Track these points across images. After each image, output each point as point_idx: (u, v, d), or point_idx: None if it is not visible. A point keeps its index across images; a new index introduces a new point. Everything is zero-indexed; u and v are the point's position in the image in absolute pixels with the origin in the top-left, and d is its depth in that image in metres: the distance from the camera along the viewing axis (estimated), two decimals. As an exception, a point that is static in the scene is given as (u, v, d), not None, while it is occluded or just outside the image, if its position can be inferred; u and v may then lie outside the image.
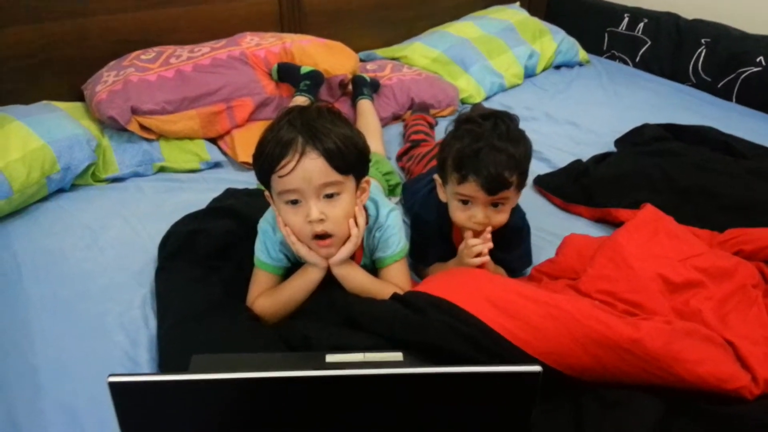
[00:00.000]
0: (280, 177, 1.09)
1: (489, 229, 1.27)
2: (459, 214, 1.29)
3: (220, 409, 0.75)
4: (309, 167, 1.07)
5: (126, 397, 0.68)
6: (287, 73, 2.04)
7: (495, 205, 1.27)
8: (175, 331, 1.15)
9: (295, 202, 1.12)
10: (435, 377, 0.77)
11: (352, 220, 1.17)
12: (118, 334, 1.22)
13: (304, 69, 2.03)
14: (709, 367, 1.03)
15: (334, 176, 1.10)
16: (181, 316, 1.17)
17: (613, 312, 1.13)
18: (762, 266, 1.37)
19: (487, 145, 1.22)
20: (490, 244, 1.27)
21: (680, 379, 1.02)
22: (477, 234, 1.28)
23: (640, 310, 1.18)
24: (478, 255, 1.25)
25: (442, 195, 1.34)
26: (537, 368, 0.72)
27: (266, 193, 1.19)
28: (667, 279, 1.24)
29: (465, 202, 1.27)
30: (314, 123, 1.10)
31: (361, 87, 2.13)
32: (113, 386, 0.66)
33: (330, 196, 1.12)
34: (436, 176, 1.35)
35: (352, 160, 1.12)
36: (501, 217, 1.29)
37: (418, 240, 1.39)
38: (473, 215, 1.27)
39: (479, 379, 0.76)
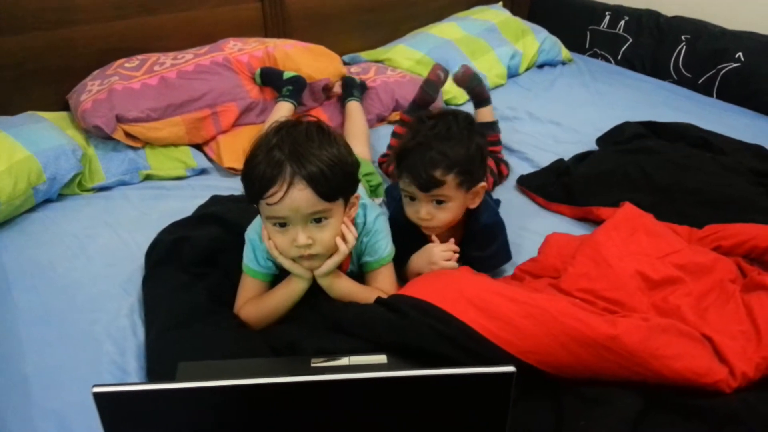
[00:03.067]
0: (269, 205, 1.09)
1: (452, 242, 1.33)
2: (408, 209, 1.35)
3: (207, 417, 0.76)
4: (297, 197, 1.08)
5: (112, 407, 0.69)
6: (270, 78, 2.06)
7: (438, 202, 1.30)
8: (162, 339, 1.16)
9: (283, 225, 1.13)
10: (415, 379, 0.79)
11: (339, 238, 1.17)
12: (107, 342, 1.23)
13: (287, 74, 2.04)
14: (686, 362, 1.06)
15: (322, 205, 1.10)
16: (168, 324, 1.18)
17: (593, 310, 1.15)
18: (740, 261, 1.39)
19: (421, 143, 1.27)
20: (453, 253, 1.33)
21: (658, 375, 1.05)
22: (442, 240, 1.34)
23: (619, 307, 1.21)
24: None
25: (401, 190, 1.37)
26: (511, 369, 0.74)
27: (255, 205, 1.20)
28: (646, 276, 1.26)
29: (412, 198, 1.32)
30: (301, 148, 1.09)
31: (350, 88, 2.14)
32: (98, 396, 0.68)
33: (318, 221, 1.13)
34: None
35: (339, 184, 1.12)
36: (444, 215, 1.32)
37: (395, 240, 1.41)
38: (417, 210, 1.32)
39: (456, 381, 0.78)
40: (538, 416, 1.01)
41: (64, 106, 2.02)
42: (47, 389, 1.13)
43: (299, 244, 1.12)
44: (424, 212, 1.31)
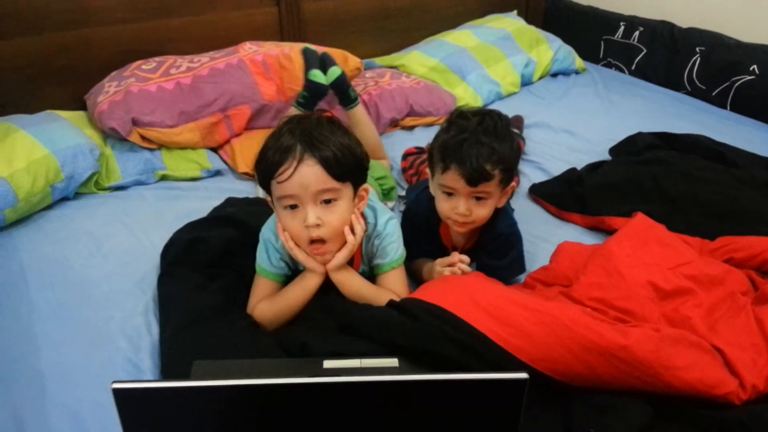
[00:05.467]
0: (279, 183, 1.13)
1: (466, 259, 1.32)
2: (443, 205, 1.34)
3: (223, 415, 0.77)
4: (306, 174, 1.11)
5: (130, 404, 0.71)
6: (306, 58, 2.01)
7: (478, 198, 1.31)
8: (177, 337, 1.18)
9: (293, 207, 1.16)
10: (426, 384, 0.80)
11: (347, 228, 1.20)
12: (122, 340, 1.24)
13: (313, 74, 1.94)
14: (697, 373, 1.06)
15: (331, 183, 1.13)
16: (183, 323, 1.20)
17: (604, 319, 1.16)
18: (752, 274, 1.40)
19: (472, 137, 1.27)
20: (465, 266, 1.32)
21: (668, 385, 1.05)
22: (449, 241, 1.33)
23: (630, 317, 1.21)
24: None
25: (432, 188, 1.37)
26: (524, 375, 0.75)
27: (267, 199, 1.22)
28: (657, 286, 1.27)
29: (449, 194, 1.32)
30: (313, 131, 1.14)
31: (345, 90, 1.96)
32: (117, 393, 0.69)
33: (327, 202, 1.15)
34: (427, 169, 1.39)
35: (349, 167, 1.15)
36: (483, 211, 1.32)
37: (406, 233, 1.41)
38: (456, 206, 1.31)
39: (469, 386, 0.78)
40: (548, 423, 1.01)
41: (81, 106, 2.05)
42: (62, 386, 1.15)
43: (309, 223, 1.14)
44: (463, 207, 1.30)
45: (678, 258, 1.37)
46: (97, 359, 1.20)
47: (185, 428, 0.76)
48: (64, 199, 1.73)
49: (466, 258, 1.33)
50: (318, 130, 1.14)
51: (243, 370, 0.98)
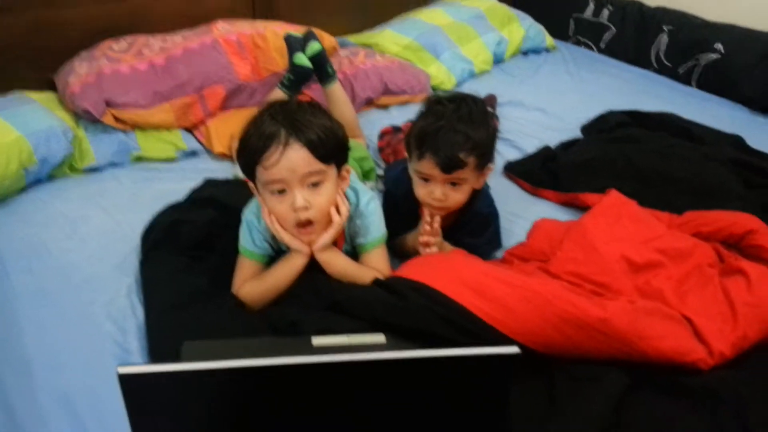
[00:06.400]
0: (266, 168, 1.13)
1: (438, 219, 1.33)
2: (420, 190, 1.36)
3: (226, 395, 0.79)
4: (293, 157, 1.12)
5: (135, 388, 0.71)
6: (288, 45, 1.99)
7: (453, 183, 1.33)
8: (163, 319, 1.18)
9: (281, 192, 1.16)
10: (418, 360, 0.81)
11: (333, 208, 1.22)
12: (107, 323, 1.25)
13: (298, 58, 1.92)
14: (670, 343, 1.12)
15: (318, 165, 1.15)
16: (169, 305, 1.20)
17: (582, 293, 1.20)
18: (718, 247, 1.45)
19: (447, 125, 1.29)
20: (438, 239, 1.34)
21: (644, 354, 1.10)
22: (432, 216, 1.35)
23: (606, 290, 1.26)
24: (428, 245, 1.33)
25: (411, 172, 1.40)
26: (515, 349, 0.78)
27: (250, 184, 1.23)
28: (631, 260, 1.32)
29: (425, 180, 1.34)
30: (295, 115, 1.15)
31: (323, 65, 1.96)
32: (123, 378, 0.70)
33: (314, 185, 1.17)
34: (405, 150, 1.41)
35: (333, 149, 1.17)
36: (458, 196, 1.35)
37: (387, 213, 1.42)
38: (432, 192, 1.34)
39: (459, 361, 0.80)
40: (531, 392, 1.05)
41: (50, 86, 2.00)
42: (50, 370, 1.15)
43: (297, 206, 1.16)
44: (439, 193, 1.33)
45: (649, 233, 1.42)
46: (83, 343, 1.20)
47: (189, 409, 0.77)
48: (38, 182, 1.70)
49: (433, 237, 1.34)
50: (300, 114, 1.16)
51: (235, 350, 1.00)
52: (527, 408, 1.02)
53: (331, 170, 1.19)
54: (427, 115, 1.34)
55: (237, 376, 0.75)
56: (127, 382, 0.70)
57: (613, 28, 2.76)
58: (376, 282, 1.20)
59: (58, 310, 1.28)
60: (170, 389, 0.75)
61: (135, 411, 0.73)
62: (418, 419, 0.86)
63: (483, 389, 0.83)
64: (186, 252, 1.34)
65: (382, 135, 1.97)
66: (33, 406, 1.08)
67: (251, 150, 1.14)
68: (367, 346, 1.05)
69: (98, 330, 1.23)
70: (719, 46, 2.38)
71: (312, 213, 1.18)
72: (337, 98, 1.98)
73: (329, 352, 0.83)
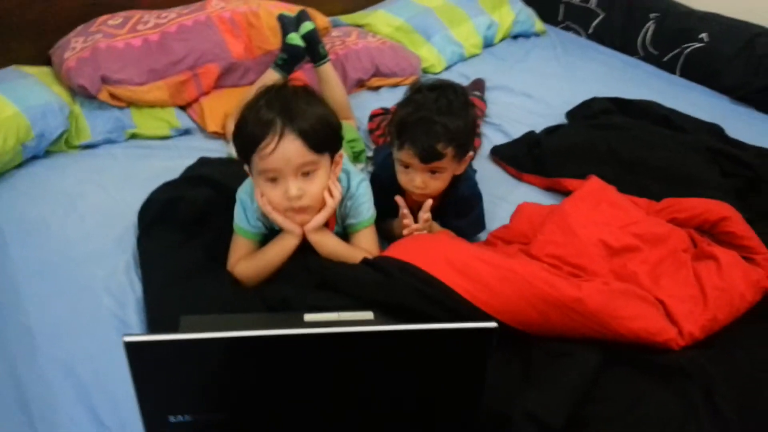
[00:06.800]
0: (261, 158, 1.17)
1: (428, 204, 1.39)
2: (401, 177, 1.42)
3: (225, 364, 0.84)
4: (288, 149, 1.16)
5: (140, 356, 0.77)
6: (282, 24, 2.03)
7: (433, 172, 1.39)
8: (161, 294, 1.24)
9: (274, 179, 1.21)
10: (401, 334, 0.87)
11: (327, 192, 1.26)
12: (105, 297, 1.30)
13: (291, 38, 1.97)
14: (641, 323, 1.19)
15: (311, 156, 1.19)
16: (167, 280, 1.26)
17: (560, 274, 1.27)
18: (692, 233, 1.51)
19: (425, 116, 1.34)
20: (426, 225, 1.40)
21: (616, 333, 1.17)
22: (413, 203, 1.41)
23: (582, 272, 1.32)
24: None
25: (394, 158, 1.44)
26: (493, 324, 0.84)
27: (245, 167, 1.27)
28: (608, 244, 1.38)
29: (406, 167, 1.39)
30: (291, 104, 1.18)
31: (315, 45, 2.00)
32: (129, 346, 0.75)
33: (307, 174, 1.21)
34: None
35: (327, 138, 1.21)
36: (437, 184, 1.41)
37: (375, 196, 1.46)
38: (412, 179, 1.40)
39: (441, 335, 0.86)
40: (509, 367, 1.12)
41: (46, 61, 2.02)
42: (52, 340, 1.20)
43: (291, 195, 1.20)
44: (419, 181, 1.39)
45: (627, 218, 1.48)
46: (83, 315, 1.26)
47: (189, 376, 0.83)
48: (35, 157, 1.73)
49: (420, 224, 1.40)
50: (295, 103, 1.19)
51: (230, 324, 1.05)
52: (506, 380, 1.09)
53: (325, 159, 1.23)
54: (408, 104, 1.38)
55: (235, 345, 0.81)
56: (132, 350, 0.76)
57: (601, 13, 2.81)
58: (365, 261, 1.25)
59: (58, 284, 1.33)
60: (172, 357, 0.80)
61: (139, 377, 0.79)
62: (401, 389, 0.92)
63: (463, 362, 0.89)
64: (182, 228, 1.39)
65: (372, 117, 2.01)
66: (37, 373, 1.14)
67: (247, 138, 1.18)
68: (355, 322, 1.11)
69: (98, 304, 1.28)
70: (704, 35, 2.44)
71: (305, 201, 1.23)
72: (329, 79, 2.02)
73: (320, 326, 0.89)
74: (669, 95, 2.23)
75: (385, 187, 1.50)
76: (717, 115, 2.10)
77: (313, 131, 1.17)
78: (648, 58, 2.64)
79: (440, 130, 1.33)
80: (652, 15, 2.61)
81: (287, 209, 1.25)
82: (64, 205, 1.56)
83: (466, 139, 1.39)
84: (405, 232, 1.39)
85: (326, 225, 1.34)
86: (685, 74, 2.51)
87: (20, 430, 1.06)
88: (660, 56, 2.59)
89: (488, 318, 1.11)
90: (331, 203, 1.27)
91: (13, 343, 1.20)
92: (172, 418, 0.84)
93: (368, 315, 1.15)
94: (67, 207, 1.56)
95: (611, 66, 2.59)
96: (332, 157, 1.26)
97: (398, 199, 1.41)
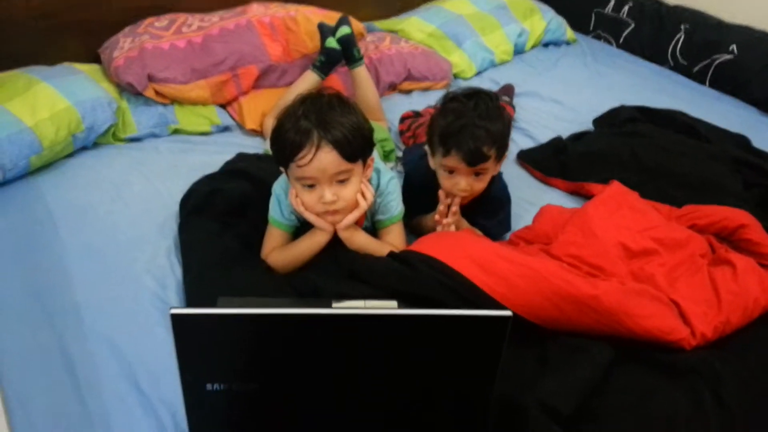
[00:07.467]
0: (298, 166, 1.25)
1: (457, 202, 1.46)
2: (445, 182, 1.48)
3: (257, 339, 0.91)
4: (324, 159, 1.24)
5: (186, 328, 0.84)
6: (321, 32, 2.13)
7: (477, 174, 1.45)
8: (200, 278, 1.32)
9: (311, 186, 1.29)
10: (421, 318, 0.92)
11: (359, 194, 1.34)
12: (148, 279, 1.39)
13: (330, 42, 2.08)
14: (655, 321, 1.22)
15: (345, 165, 1.26)
16: (204, 264, 1.34)
17: (578, 273, 1.31)
18: (711, 239, 1.55)
19: (469, 122, 1.40)
20: (455, 218, 1.47)
21: (630, 331, 1.21)
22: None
23: (601, 272, 1.36)
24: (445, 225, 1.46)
25: (431, 162, 1.52)
26: (508, 313, 0.89)
27: (282, 168, 1.34)
28: (627, 247, 1.42)
29: (450, 172, 1.46)
30: (326, 116, 1.25)
31: (350, 48, 2.08)
32: (175, 318, 0.83)
33: (341, 181, 1.29)
34: (426, 147, 1.52)
35: (360, 147, 1.28)
36: (481, 185, 1.48)
37: (406, 196, 1.54)
38: (457, 183, 1.46)
39: (458, 322, 0.91)
40: (526, 358, 1.18)
41: (94, 59, 2.13)
42: (98, 316, 1.29)
43: (326, 201, 1.28)
44: (464, 184, 1.45)
45: (647, 222, 1.52)
46: (127, 295, 1.35)
47: (227, 350, 0.90)
48: (84, 148, 1.84)
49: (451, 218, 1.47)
50: (331, 115, 1.25)
51: (264, 305, 1.12)
52: (521, 370, 1.14)
53: (358, 166, 1.30)
54: (447, 114, 1.44)
55: (268, 322, 0.88)
56: (177, 322, 0.83)
57: (632, 23, 2.83)
58: (391, 254, 1.32)
59: (103, 265, 1.43)
60: (211, 330, 0.87)
61: (181, 347, 0.86)
62: (419, 372, 0.97)
63: (479, 349, 0.94)
64: (220, 218, 1.47)
65: (403, 119, 2.08)
66: (84, 348, 1.22)
67: (285, 147, 1.25)
68: (380, 308, 1.18)
69: (139, 285, 1.37)
70: (733, 47, 2.45)
71: (339, 204, 1.30)
72: (362, 81, 2.10)
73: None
74: (697, 105, 2.26)
75: (416, 187, 1.57)
76: (745, 126, 2.12)
77: (347, 142, 1.24)
78: (678, 69, 2.66)
79: (483, 134, 1.39)
80: (682, 26, 2.63)
81: (322, 212, 1.32)
82: (110, 193, 1.66)
83: (505, 141, 1.46)
84: (438, 222, 1.46)
85: (356, 222, 1.41)
86: (714, 85, 2.53)
87: (67, 391, 1.15)
88: (690, 66, 2.61)
89: (505, 308, 1.16)
90: (364, 205, 1.35)
91: (61, 318, 1.28)
92: (208, 386, 0.91)
93: (392, 304, 1.22)
94: (113, 195, 1.66)
95: (640, 75, 2.62)
96: (365, 162, 1.33)
97: (441, 192, 1.48)
